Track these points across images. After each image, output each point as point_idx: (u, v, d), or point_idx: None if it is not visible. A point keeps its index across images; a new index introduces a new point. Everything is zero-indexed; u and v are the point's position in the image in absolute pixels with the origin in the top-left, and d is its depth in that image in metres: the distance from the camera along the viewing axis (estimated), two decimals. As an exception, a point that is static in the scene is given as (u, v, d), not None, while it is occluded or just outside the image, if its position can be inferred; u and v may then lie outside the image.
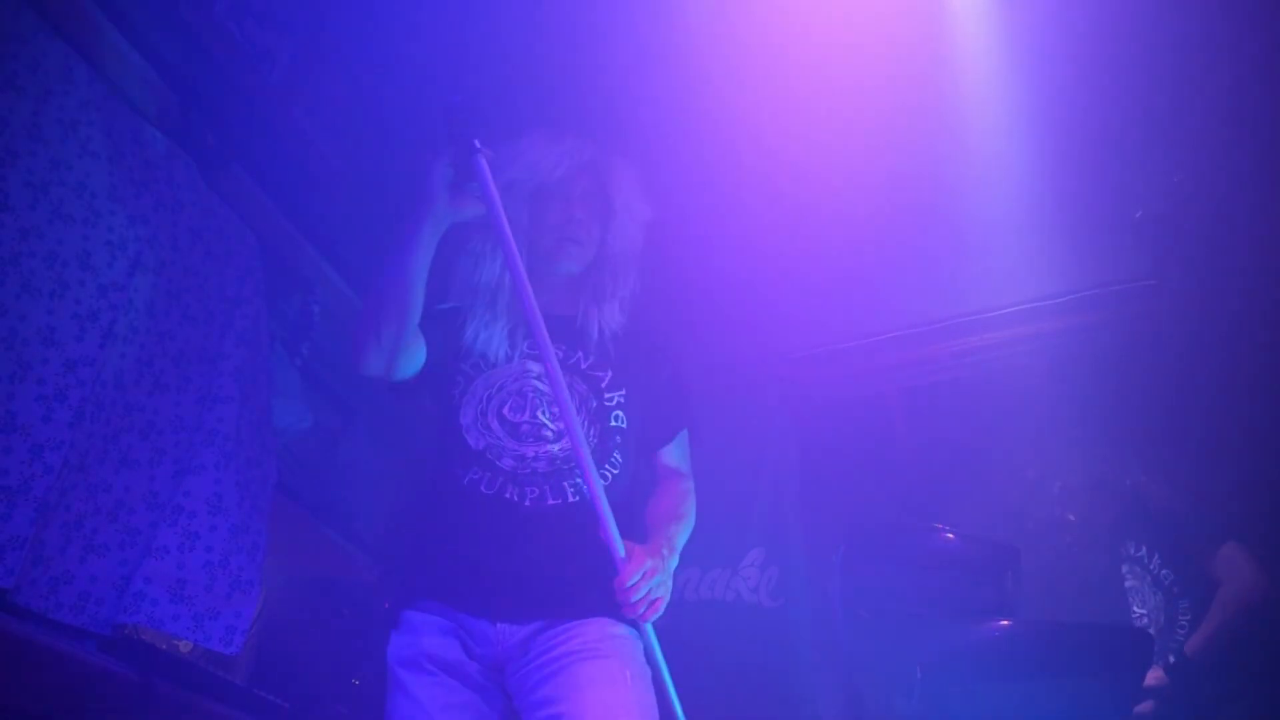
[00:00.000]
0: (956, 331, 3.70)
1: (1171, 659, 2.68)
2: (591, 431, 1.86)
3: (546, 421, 1.84)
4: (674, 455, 2.06)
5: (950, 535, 2.78)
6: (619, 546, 1.71)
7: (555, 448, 1.82)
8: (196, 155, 2.51)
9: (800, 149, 3.27)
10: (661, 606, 1.73)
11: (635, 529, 1.87)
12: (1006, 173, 3.27)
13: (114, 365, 2.17)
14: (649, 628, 1.74)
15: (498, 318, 1.91)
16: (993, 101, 3.12)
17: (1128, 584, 2.96)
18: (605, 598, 1.72)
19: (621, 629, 1.73)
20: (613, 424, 1.90)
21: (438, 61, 3.14)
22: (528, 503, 1.79)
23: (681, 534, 1.92)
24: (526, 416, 1.84)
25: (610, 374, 1.92)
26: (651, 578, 1.70)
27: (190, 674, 2.36)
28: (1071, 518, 3.20)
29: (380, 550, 3.42)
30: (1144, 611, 2.88)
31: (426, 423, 2.03)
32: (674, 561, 1.82)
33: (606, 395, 1.90)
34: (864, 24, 2.95)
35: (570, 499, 1.80)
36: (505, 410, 1.85)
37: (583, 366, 1.91)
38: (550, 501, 1.80)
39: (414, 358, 1.86)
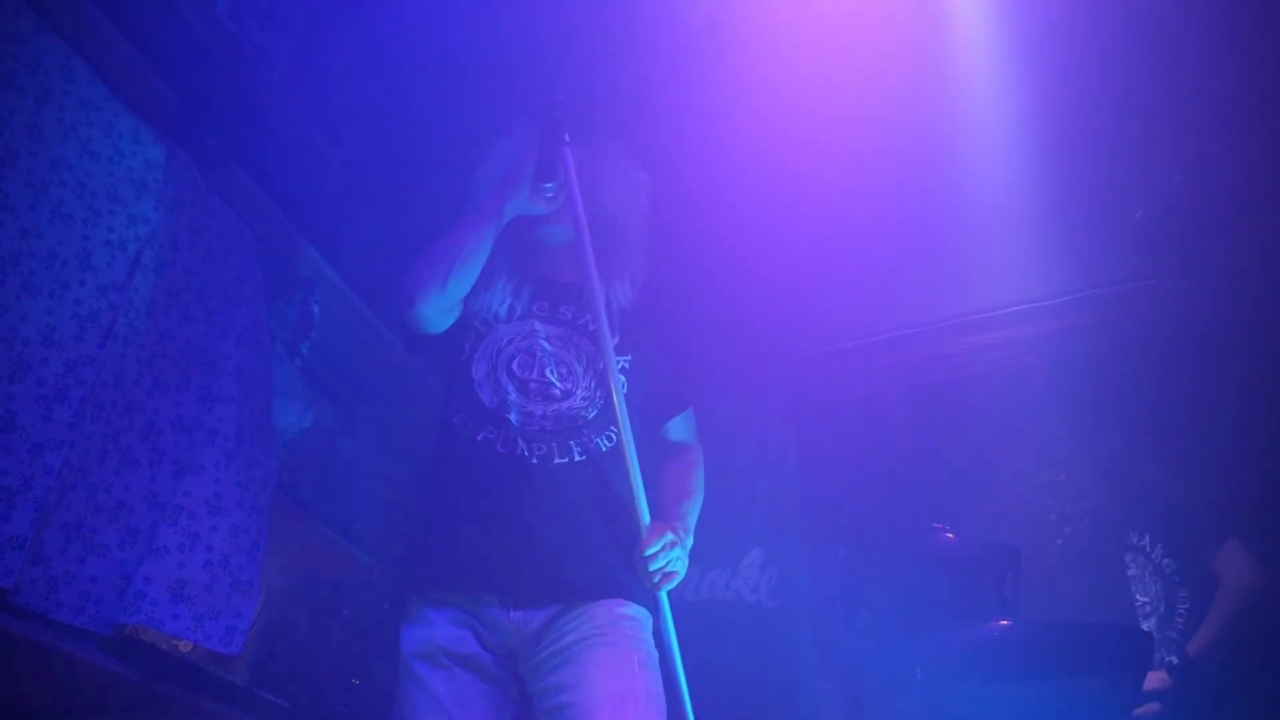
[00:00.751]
0: (957, 331, 3.70)
1: (1174, 660, 2.68)
2: (598, 394, 1.88)
3: (554, 380, 1.87)
4: (680, 430, 2.08)
5: (950, 535, 2.78)
6: (644, 508, 1.76)
7: (563, 406, 1.85)
8: (196, 155, 2.51)
9: (798, 150, 3.27)
10: (675, 580, 1.77)
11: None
12: (1006, 172, 3.26)
13: (114, 365, 2.17)
14: (664, 600, 1.76)
15: (499, 274, 1.96)
16: (992, 101, 3.12)
17: (1130, 572, 2.97)
18: (617, 577, 1.75)
19: (632, 609, 1.75)
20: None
21: (438, 61, 3.14)
22: (535, 460, 1.81)
23: (693, 511, 1.95)
24: (535, 374, 1.88)
25: (617, 339, 1.93)
26: (671, 550, 1.76)
27: (190, 674, 2.35)
28: (1074, 509, 3.21)
29: (381, 549, 3.42)
30: (1146, 599, 2.90)
31: (441, 384, 2.06)
32: (689, 541, 1.86)
33: (613, 358, 1.92)
34: (862, 24, 2.95)
35: (577, 458, 1.83)
36: (514, 365, 1.89)
37: (590, 329, 1.93)
38: (557, 460, 1.82)
39: (453, 313, 1.92)
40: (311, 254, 3.09)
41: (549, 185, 1.90)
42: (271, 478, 2.60)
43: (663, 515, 1.88)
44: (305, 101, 3.06)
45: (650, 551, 1.73)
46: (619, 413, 1.77)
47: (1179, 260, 3.34)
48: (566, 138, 1.89)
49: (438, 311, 1.88)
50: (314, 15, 3.02)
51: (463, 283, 1.86)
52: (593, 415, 1.87)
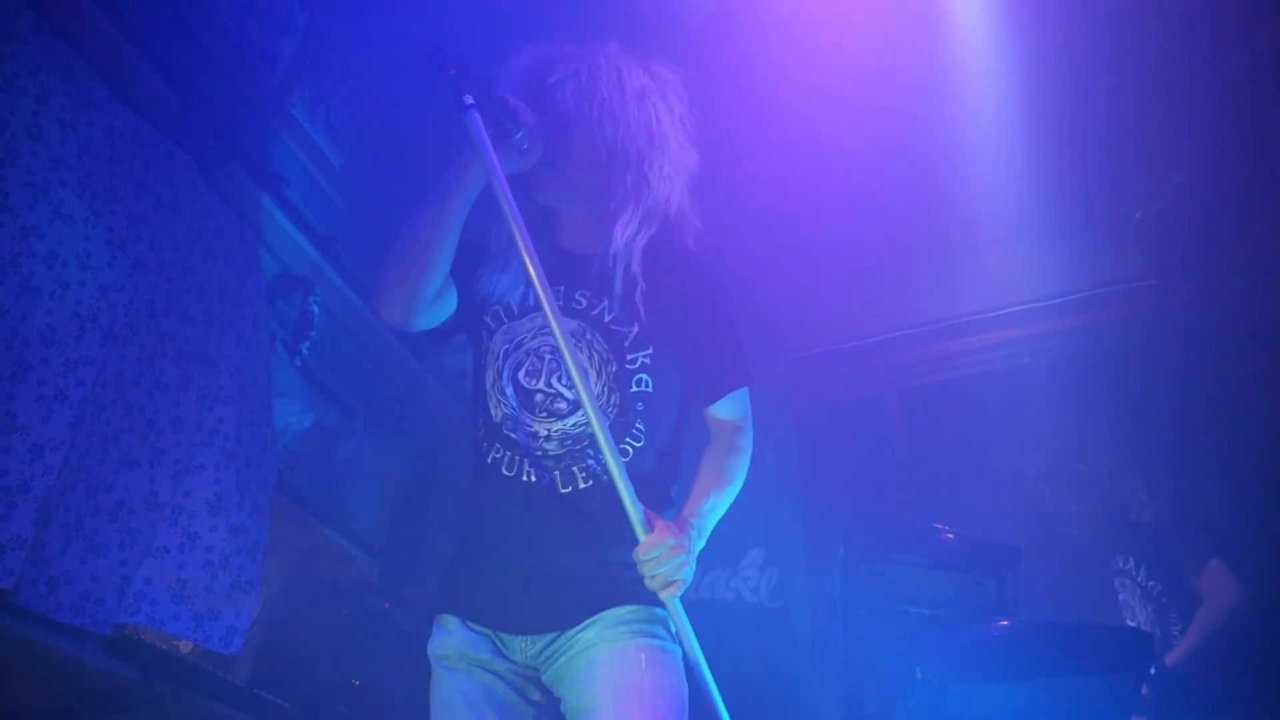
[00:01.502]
0: (956, 331, 3.71)
1: (1151, 670, 2.67)
2: (611, 400, 1.68)
3: (562, 390, 1.67)
4: (726, 410, 1.81)
5: (950, 535, 2.78)
6: (641, 534, 1.57)
7: (569, 423, 1.67)
8: (196, 155, 2.51)
9: (800, 150, 3.27)
10: (679, 588, 1.58)
11: (665, 509, 1.72)
12: (1007, 173, 3.27)
13: (114, 365, 2.17)
14: (677, 605, 1.60)
15: (513, 260, 1.72)
16: (993, 102, 3.13)
17: (1120, 598, 2.96)
18: (621, 585, 1.64)
19: (642, 610, 1.64)
20: (634, 389, 1.69)
21: (437, 61, 3.13)
22: (540, 487, 1.68)
23: (717, 507, 1.75)
24: (541, 384, 1.69)
25: (636, 329, 1.70)
26: (673, 556, 1.56)
27: (190, 674, 2.35)
28: (1068, 520, 3.20)
29: (381, 549, 3.42)
30: (1136, 624, 2.89)
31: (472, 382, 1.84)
32: (700, 544, 1.68)
33: (629, 356, 1.69)
34: (863, 26, 2.95)
35: (582, 485, 1.66)
36: (520, 375, 1.70)
37: (605, 320, 1.70)
38: (562, 490, 1.66)
39: (443, 307, 1.73)
40: (311, 254, 3.10)
41: (517, 135, 1.62)
42: (271, 478, 2.60)
43: (686, 504, 1.70)
44: (305, 101, 3.06)
45: (647, 557, 1.55)
46: (603, 443, 1.54)
47: (1179, 260, 3.35)
48: (469, 99, 1.58)
49: (410, 312, 1.67)
50: (314, 15, 3.02)
51: (427, 278, 1.64)
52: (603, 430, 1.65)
